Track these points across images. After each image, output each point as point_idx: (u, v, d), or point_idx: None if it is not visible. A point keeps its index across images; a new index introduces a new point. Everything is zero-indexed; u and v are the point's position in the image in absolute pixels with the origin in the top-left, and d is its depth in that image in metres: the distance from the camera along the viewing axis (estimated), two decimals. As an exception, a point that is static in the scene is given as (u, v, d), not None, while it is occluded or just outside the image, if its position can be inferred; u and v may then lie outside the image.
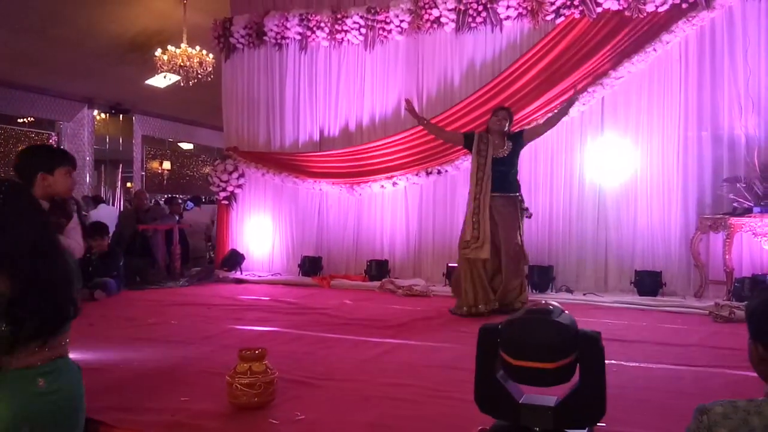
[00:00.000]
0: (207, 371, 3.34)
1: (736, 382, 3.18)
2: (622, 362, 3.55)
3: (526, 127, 5.87)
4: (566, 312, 2.04)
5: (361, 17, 7.32)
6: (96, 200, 9.94)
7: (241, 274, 7.65)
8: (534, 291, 6.16)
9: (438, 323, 4.93)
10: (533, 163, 6.71)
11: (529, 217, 5.43)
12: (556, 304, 2.03)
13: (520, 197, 5.33)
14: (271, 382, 2.75)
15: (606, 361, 1.98)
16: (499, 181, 5.17)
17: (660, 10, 6.09)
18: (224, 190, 8.06)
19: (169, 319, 5.00)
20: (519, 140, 5.33)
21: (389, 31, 7.26)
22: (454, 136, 5.75)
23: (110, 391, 3.04)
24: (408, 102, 5.65)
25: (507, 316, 2.11)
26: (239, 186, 8.08)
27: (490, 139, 5.24)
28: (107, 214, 8.61)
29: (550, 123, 5.48)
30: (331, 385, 3.12)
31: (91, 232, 6.43)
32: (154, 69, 10.72)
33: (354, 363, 3.61)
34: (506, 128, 5.30)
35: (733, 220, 5.62)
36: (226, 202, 8.12)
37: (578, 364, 1.97)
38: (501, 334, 1.95)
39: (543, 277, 6.31)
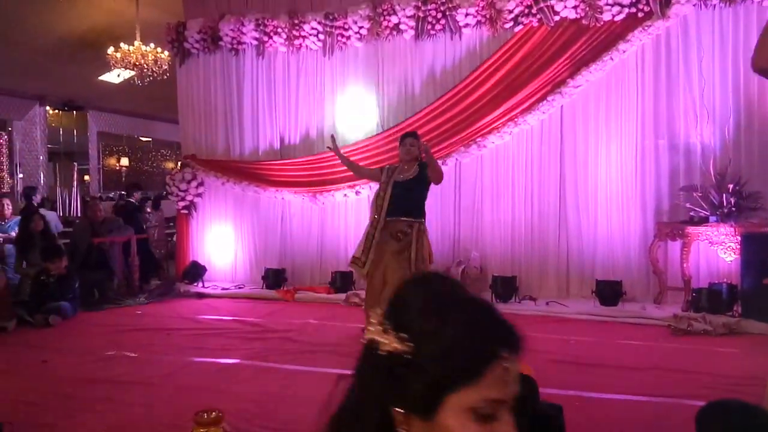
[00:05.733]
0: (167, 424, 3.26)
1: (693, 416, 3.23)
2: (582, 393, 3.58)
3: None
4: (526, 376, 2.02)
5: (319, 23, 7.16)
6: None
7: (203, 286, 7.52)
8: (498, 301, 6.19)
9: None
10: (494, 173, 6.74)
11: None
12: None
13: (421, 223, 4.88)
14: (231, 446, 2.70)
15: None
16: (397, 204, 4.83)
17: (616, 19, 6.10)
18: (183, 199, 7.88)
19: (127, 349, 4.87)
20: (425, 169, 4.84)
21: (348, 38, 7.13)
22: (371, 172, 5.30)
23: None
24: (332, 138, 5.49)
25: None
26: (198, 195, 7.90)
27: (399, 168, 4.98)
28: (50, 218, 8.15)
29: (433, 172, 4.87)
30: (294, 438, 3.08)
31: (48, 255, 6.21)
32: (106, 66, 10.37)
33: (320, 405, 3.56)
34: (417, 154, 4.90)
35: (690, 228, 5.70)
36: (186, 212, 7.94)
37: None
38: None
39: (506, 286, 6.34)
